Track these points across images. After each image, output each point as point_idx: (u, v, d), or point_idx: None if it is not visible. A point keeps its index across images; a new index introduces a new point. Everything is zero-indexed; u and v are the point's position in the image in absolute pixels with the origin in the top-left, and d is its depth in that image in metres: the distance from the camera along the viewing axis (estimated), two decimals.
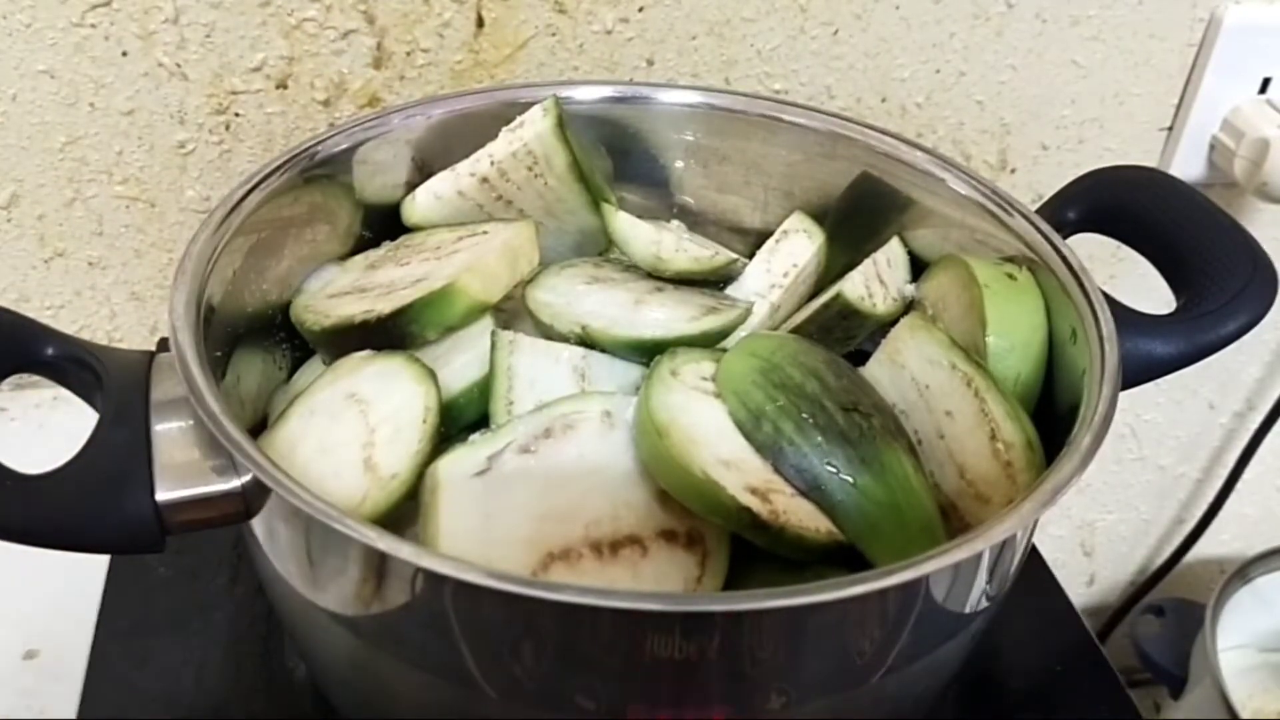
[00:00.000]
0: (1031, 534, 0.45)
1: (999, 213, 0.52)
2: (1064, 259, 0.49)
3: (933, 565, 0.36)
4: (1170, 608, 0.99)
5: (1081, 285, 0.47)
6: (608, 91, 0.58)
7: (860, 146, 0.56)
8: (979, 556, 0.39)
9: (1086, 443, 0.41)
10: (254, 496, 0.40)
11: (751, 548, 0.42)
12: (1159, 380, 0.49)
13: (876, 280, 0.54)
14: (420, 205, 0.54)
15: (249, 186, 0.49)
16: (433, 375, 0.47)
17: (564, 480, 0.43)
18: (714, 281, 0.56)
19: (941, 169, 0.54)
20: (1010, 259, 0.51)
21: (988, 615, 0.44)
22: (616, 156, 0.59)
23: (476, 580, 0.35)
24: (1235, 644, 0.93)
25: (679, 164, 0.59)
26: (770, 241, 0.57)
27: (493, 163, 0.53)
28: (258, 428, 0.48)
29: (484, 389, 0.48)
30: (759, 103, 0.58)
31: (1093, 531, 1.03)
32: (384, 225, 0.55)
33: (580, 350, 0.49)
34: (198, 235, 0.46)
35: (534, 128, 0.53)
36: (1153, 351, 0.48)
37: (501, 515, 0.42)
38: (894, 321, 0.52)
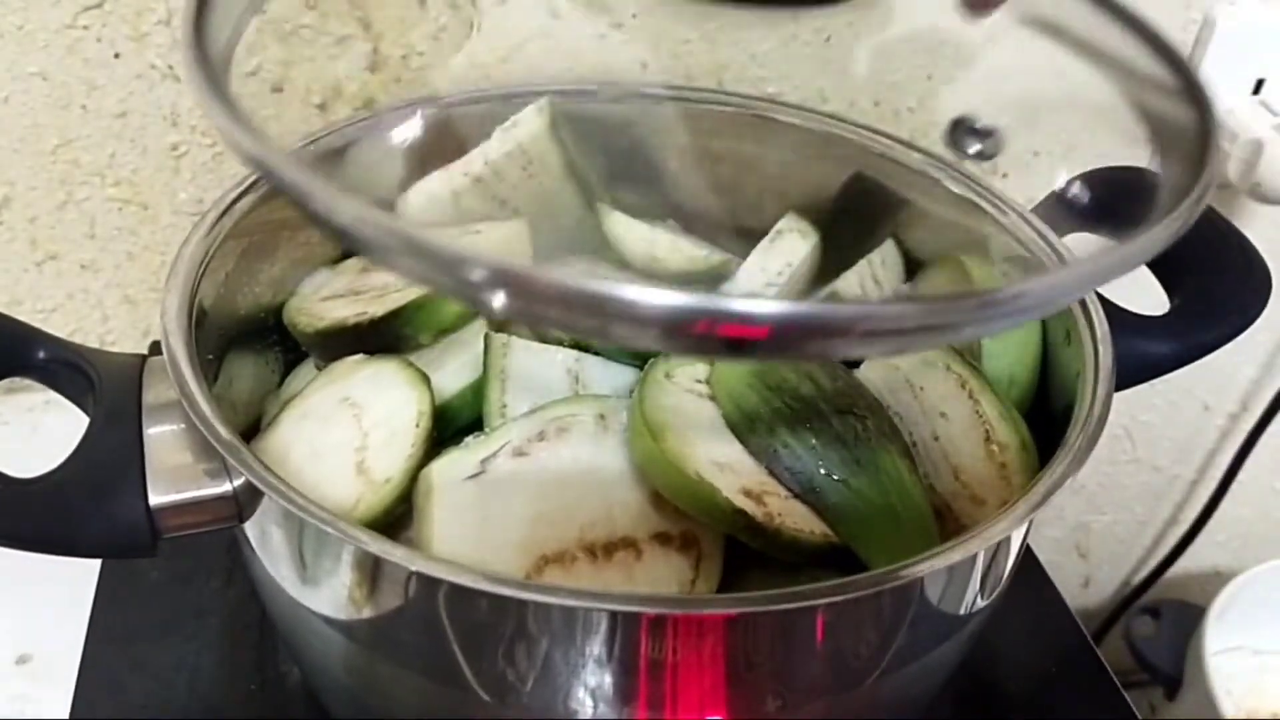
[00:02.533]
0: (1026, 535, 0.45)
1: (994, 212, 0.52)
2: (1060, 258, 0.49)
3: (927, 567, 0.36)
4: (1166, 609, 0.99)
5: None
6: (602, 92, 0.58)
7: (854, 147, 0.56)
8: (974, 558, 0.39)
9: (1081, 444, 0.41)
10: (247, 500, 0.40)
11: (746, 550, 0.42)
12: (1154, 381, 0.49)
13: (871, 281, 0.54)
14: (414, 205, 0.54)
15: (241, 189, 0.49)
16: (426, 379, 0.46)
17: (558, 483, 0.43)
18: (708, 282, 0.56)
19: (936, 169, 0.54)
20: (1005, 259, 0.51)
21: (983, 617, 0.44)
22: (610, 156, 0.59)
23: (470, 583, 0.35)
24: (1230, 646, 0.94)
25: (673, 164, 0.59)
26: (764, 241, 0.57)
27: (486, 163, 0.53)
28: (250, 431, 0.48)
29: (477, 392, 0.48)
30: (753, 103, 0.58)
31: (1088, 533, 1.03)
32: None
33: (574, 353, 0.49)
34: (190, 238, 0.46)
35: (528, 127, 0.53)
36: (1147, 352, 0.48)
37: (495, 518, 0.42)
38: None
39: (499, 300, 0.27)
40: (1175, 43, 0.40)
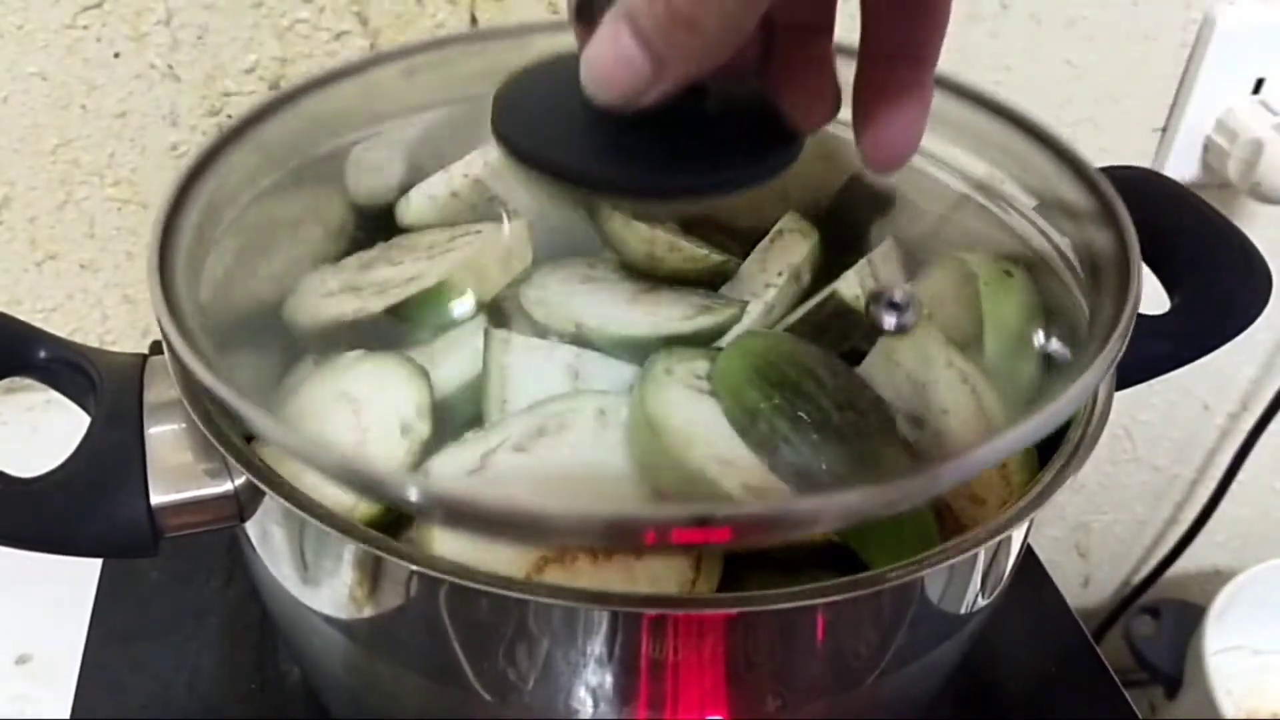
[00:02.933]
0: (1027, 535, 0.45)
1: (995, 210, 0.52)
2: (1062, 256, 0.49)
3: (927, 567, 0.36)
4: (1166, 608, 0.99)
5: (1079, 283, 0.47)
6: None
7: (854, 147, 0.56)
8: (974, 558, 0.39)
9: (1081, 443, 0.41)
10: (248, 500, 0.40)
11: (746, 550, 0.42)
12: (1154, 381, 0.49)
13: (872, 281, 0.54)
14: (414, 205, 0.54)
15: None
16: (425, 374, 0.46)
17: (558, 479, 0.43)
18: (708, 281, 0.56)
19: (936, 167, 0.54)
20: (1007, 256, 0.51)
21: (983, 617, 0.44)
22: None
23: (471, 583, 0.35)
24: (1230, 645, 0.94)
25: None
26: (764, 241, 0.57)
27: (486, 163, 0.53)
28: (251, 431, 0.48)
29: (477, 388, 0.48)
30: None
31: (1088, 533, 1.03)
32: (377, 226, 0.55)
33: (574, 349, 0.49)
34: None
35: None
36: (1148, 351, 0.48)
37: None
38: None
39: (438, 522, 0.28)
40: (1090, 165, 0.40)
